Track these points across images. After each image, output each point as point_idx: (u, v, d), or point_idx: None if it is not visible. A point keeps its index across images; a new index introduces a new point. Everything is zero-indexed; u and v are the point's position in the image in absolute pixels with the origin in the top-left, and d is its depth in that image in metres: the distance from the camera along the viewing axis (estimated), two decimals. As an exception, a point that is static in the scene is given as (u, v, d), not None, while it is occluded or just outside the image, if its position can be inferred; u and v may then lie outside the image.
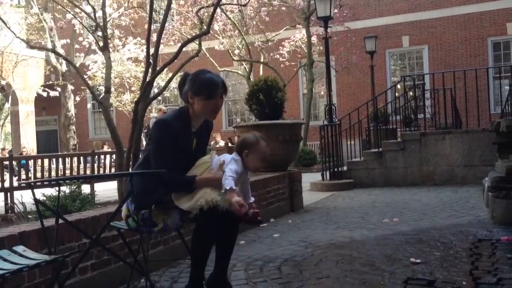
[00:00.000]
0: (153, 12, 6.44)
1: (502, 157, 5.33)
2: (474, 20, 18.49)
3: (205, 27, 6.80)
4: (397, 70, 20.47)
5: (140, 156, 3.05)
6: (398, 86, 16.80)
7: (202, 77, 2.74)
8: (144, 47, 7.00)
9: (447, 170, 8.83)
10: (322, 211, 6.31)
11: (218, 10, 13.77)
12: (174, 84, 18.68)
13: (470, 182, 8.36)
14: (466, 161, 8.70)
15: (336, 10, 16.05)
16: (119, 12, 13.17)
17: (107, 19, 8.64)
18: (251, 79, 16.22)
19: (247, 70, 17.64)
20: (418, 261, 3.36)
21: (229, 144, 12.75)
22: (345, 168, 9.55)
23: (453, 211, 5.69)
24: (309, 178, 9.64)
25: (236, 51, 17.66)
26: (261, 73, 16.48)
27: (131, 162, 5.83)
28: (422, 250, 3.71)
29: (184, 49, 6.67)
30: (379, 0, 18.94)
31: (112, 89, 17.80)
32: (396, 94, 15.41)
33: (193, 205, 2.54)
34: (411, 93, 11.49)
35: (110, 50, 15.78)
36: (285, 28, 17.90)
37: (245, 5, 12.81)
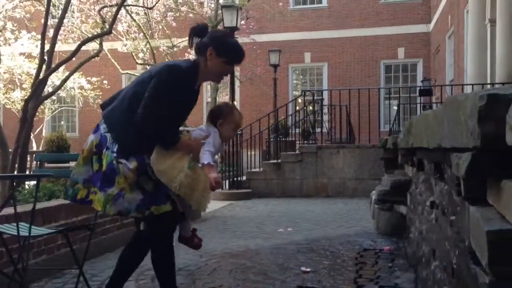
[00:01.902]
0: (51, 7, 6.09)
1: (388, 172, 5.71)
2: (369, 43, 19.76)
3: (107, 27, 6.55)
4: (299, 84, 21.23)
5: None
6: (299, 100, 17.43)
7: (231, 40, 2.66)
8: (39, 42, 6.59)
9: (339, 183, 9.28)
10: (219, 220, 6.32)
11: (123, 10, 13.34)
12: (70, 83, 17.74)
13: (360, 194, 8.86)
14: (357, 174, 9.21)
15: (243, 22, 16.33)
16: (13, 4, 12.27)
17: (-1, 10, 8.01)
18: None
19: (151, 74, 17.25)
20: (308, 269, 3.47)
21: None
22: (244, 178, 9.66)
23: (343, 222, 5.98)
24: (208, 187, 9.61)
25: (140, 55, 17.23)
26: (165, 78, 16.20)
27: (16, 165, 5.42)
28: (313, 259, 3.84)
29: (84, 48, 6.38)
30: (284, 16, 19.54)
31: (1, 85, 16.48)
32: (297, 107, 15.96)
33: (169, 179, 2.37)
34: (310, 107, 11.97)
35: (1, 43, 14.63)
36: (191, 35, 17.80)
37: (151, 8, 12.58)
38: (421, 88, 13.90)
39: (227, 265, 3.75)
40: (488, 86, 9.36)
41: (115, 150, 2.40)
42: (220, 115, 2.60)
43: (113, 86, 20.44)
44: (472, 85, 9.59)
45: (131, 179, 2.38)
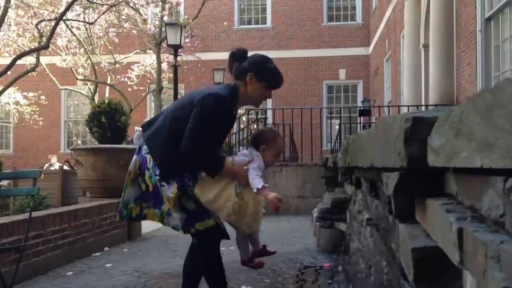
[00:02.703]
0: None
1: (329, 190, 5.84)
2: (312, 64, 20.28)
3: (45, 41, 6.35)
4: (243, 103, 21.38)
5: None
6: (243, 118, 17.53)
7: (271, 65, 2.64)
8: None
9: (283, 201, 9.34)
10: (160, 239, 6.19)
11: (63, 25, 13.01)
12: (5, 98, 16.98)
13: (302, 212, 8.98)
14: (299, 192, 9.35)
15: (187, 40, 16.32)
16: None
17: None
18: (96, 101, 15.52)
19: (92, 90, 16.86)
20: (249, 288, 3.46)
21: (65, 168, 11.81)
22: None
23: (285, 240, 6.02)
24: (150, 206, 9.42)
25: (80, 70, 16.79)
26: (107, 95, 15.88)
27: None
28: (254, 278, 3.84)
29: (21, 62, 6.16)
30: (228, 35, 19.72)
31: None
32: (241, 125, 16.04)
33: (217, 209, 2.42)
34: (254, 125, 12.08)
35: None
36: (135, 51, 17.60)
37: (91, 23, 12.33)
38: (361, 108, 14.39)
39: (167, 285, 3.68)
40: (423, 108, 9.82)
41: (157, 173, 2.50)
42: (263, 141, 2.62)
43: (51, 101, 19.77)
44: (408, 106, 10.03)
45: (173, 202, 2.48)
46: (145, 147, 2.58)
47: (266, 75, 2.58)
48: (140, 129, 2.70)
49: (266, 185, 2.43)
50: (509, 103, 0.70)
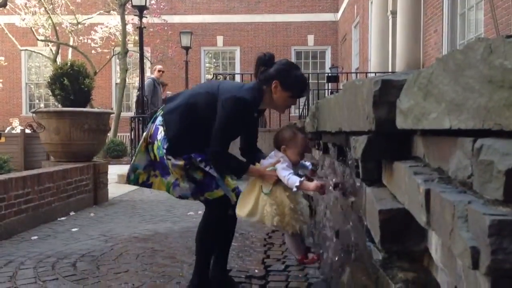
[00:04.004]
0: None
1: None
2: (281, 29, 20.10)
3: (2, -2, 6.04)
4: (211, 67, 21.13)
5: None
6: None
7: (297, 73, 2.58)
8: None
9: (250, 166, 9.40)
10: (128, 204, 6.16)
11: (22, -18, 12.42)
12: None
13: (269, 177, 9.03)
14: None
15: (153, 1, 15.87)
16: None
17: None
18: (58, 63, 15.03)
19: (53, 52, 16.28)
20: (217, 252, 3.49)
21: (27, 131, 11.46)
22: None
23: (252, 204, 6.08)
24: (117, 170, 9.31)
25: (41, 30, 16.15)
26: (69, 57, 15.38)
27: None
28: (222, 241, 3.87)
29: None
30: (196, -3, 19.29)
31: None
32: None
33: (261, 218, 2.44)
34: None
35: None
36: (98, 12, 17.01)
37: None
38: (329, 74, 14.44)
39: (135, 249, 3.67)
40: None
41: (165, 147, 2.54)
42: (282, 141, 2.57)
43: (10, 63, 19.03)
44: (375, 73, 10.11)
45: (180, 173, 2.55)
46: (160, 118, 2.63)
47: (292, 84, 2.54)
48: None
49: (302, 179, 2.40)
50: (480, 63, 0.70)
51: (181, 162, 2.53)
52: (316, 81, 10.72)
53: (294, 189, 2.39)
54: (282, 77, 2.53)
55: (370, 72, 11.02)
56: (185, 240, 3.92)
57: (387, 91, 1.18)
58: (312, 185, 2.39)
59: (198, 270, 2.70)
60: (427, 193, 0.86)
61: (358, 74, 12.45)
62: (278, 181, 2.47)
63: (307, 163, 2.71)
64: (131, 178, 2.74)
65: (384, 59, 11.46)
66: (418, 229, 1.09)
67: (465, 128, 0.75)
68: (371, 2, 12.65)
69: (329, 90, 14.19)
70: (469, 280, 0.74)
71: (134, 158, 2.75)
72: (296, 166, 2.58)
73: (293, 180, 2.38)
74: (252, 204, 2.48)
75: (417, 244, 1.13)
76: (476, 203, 0.69)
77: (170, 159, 2.54)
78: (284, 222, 2.45)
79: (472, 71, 0.72)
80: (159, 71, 10.15)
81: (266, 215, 2.43)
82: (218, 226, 2.71)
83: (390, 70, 10.44)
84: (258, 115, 2.75)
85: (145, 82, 9.93)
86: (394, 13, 10.65)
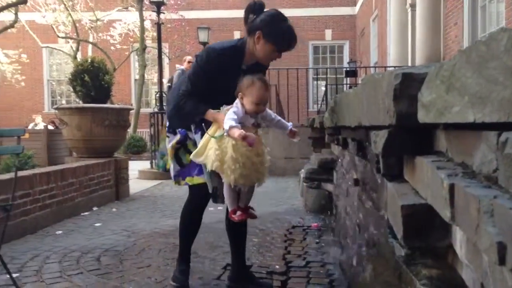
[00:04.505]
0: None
1: (316, 151, 5.87)
2: (298, 24, 19.96)
3: (24, -3, 6.14)
4: (229, 63, 21.15)
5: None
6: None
7: (283, 25, 2.44)
8: None
9: (270, 162, 9.41)
10: (148, 199, 6.23)
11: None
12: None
13: (289, 173, 9.05)
14: (286, 153, 9.39)
15: (171, -3, 15.92)
16: None
17: None
18: (78, 60, 15.21)
19: (74, 49, 16.48)
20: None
21: (50, 127, 11.68)
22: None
23: (273, 200, 6.09)
24: (138, 166, 9.42)
25: (61, 27, 16.36)
26: (90, 54, 15.57)
27: None
28: (242, 236, 3.89)
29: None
30: (213, -7, 19.31)
31: None
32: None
33: (205, 156, 2.42)
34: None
35: None
36: (117, 8, 17.15)
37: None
38: (347, 69, 14.33)
39: (156, 244, 3.72)
40: (409, 68, 9.80)
41: (167, 125, 2.67)
42: (240, 88, 2.43)
43: (32, 60, 19.32)
44: (395, 67, 10.00)
45: (171, 152, 2.62)
46: None
47: (275, 36, 2.41)
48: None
49: (234, 125, 2.26)
50: (503, 54, 0.69)
51: (176, 139, 2.60)
52: (335, 76, 10.66)
53: (225, 133, 2.30)
54: (265, 28, 2.41)
55: (390, 66, 10.92)
56: (206, 236, 3.95)
57: (408, 84, 1.18)
58: (236, 133, 2.21)
59: (179, 258, 2.76)
60: (451, 188, 0.86)
61: (377, 68, 12.33)
62: None
63: (289, 124, 2.73)
64: (160, 165, 2.91)
65: (403, 53, 11.33)
66: (441, 225, 1.08)
67: (489, 121, 0.74)
68: (390, -5, 12.51)
69: (348, 85, 14.09)
70: (495, 277, 0.74)
71: (159, 146, 2.88)
72: (253, 116, 2.46)
73: (226, 124, 2.28)
74: (200, 146, 2.44)
75: (440, 240, 1.13)
76: (502, 197, 0.69)
77: (168, 136, 2.66)
78: (222, 169, 2.37)
79: (495, 63, 0.72)
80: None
81: (209, 156, 2.38)
82: (195, 215, 2.75)
83: (410, 64, 10.32)
84: (251, 69, 2.54)
85: (174, 73, 9.94)
86: (413, 6, 10.51)
